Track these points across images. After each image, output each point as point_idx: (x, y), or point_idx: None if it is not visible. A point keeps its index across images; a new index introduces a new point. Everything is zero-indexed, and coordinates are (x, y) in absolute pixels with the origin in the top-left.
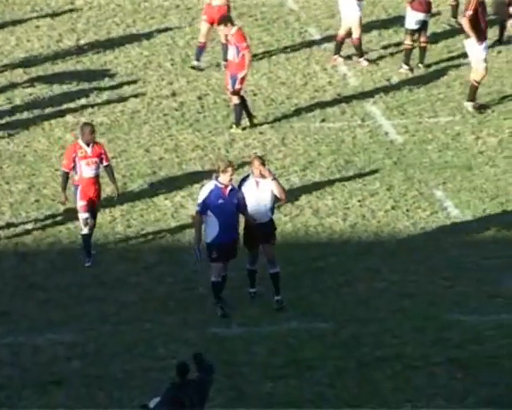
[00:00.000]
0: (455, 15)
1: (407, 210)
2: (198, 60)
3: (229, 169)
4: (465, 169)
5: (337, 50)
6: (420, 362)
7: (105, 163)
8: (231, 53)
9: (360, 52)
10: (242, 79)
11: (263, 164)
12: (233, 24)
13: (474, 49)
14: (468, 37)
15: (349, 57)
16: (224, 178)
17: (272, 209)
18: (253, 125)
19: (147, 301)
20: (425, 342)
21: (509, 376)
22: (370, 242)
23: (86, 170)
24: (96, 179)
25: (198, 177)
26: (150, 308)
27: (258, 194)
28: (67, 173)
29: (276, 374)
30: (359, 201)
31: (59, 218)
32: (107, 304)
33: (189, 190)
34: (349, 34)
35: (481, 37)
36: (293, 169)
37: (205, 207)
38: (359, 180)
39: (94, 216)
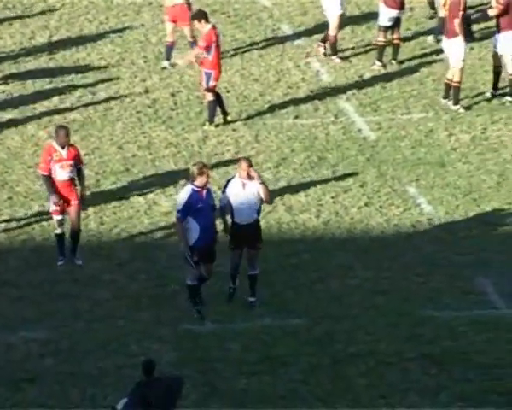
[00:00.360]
0: (433, 7)
1: (380, 207)
2: (168, 59)
3: (205, 171)
4: (438, 166)
5: (334, 51)
6: (393, 358)
7: (78, 166)
8: (206, 51)
9: (334, 50)
10: (215, 76)
11: (250, 166)
12: (207, 21)
13: (459, 48)
14: (454, 36)
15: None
16: (200, 181)
17: (258, 211)
18: (226, 123)
19: (120, 298)
20: (398, 338)
21: (481, 371)
22: (343, 238)
23: (60, 173)
24: (71, 182)
25: (171, 174)
26: (123, 305)
27: (244, 195)
28: (48, 176)
29: (249, 370)
30: (332, 197)
31: (32, 215)
32: (81, 301)
33: (162, 187)
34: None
35: (466, 36)
36: (266, 166)
37: (185, 212)
38: (332, 177)
39: (74, 218)
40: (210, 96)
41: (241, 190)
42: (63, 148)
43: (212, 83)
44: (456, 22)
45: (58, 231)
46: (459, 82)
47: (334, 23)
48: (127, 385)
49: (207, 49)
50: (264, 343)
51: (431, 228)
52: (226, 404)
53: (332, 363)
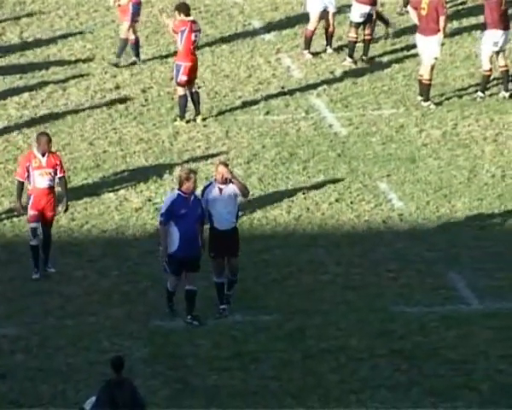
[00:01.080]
0: (406, 4)
1: (351, 202)
2: (137, 55)
3: (192, 176)
4: (409, 161)
5: (306, 46)
6: (364, 354)
7: (59, 175)
8: (178, 41)
9: (307, 45)
10: (185, 70)
11: (226, 168)
12: (187, 15)
13: (435, 46)
14: (432, 34)
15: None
16: (186, 187)
17: (236, 216)
18: (195, 120)
19: (91, 295)
20: (369, 333)
21: (452, 367)
22: (315, 234)
23: (39, 180)
24: (50, 191)
25: (142, 170)
26: (94, 302)
27: (222, 201)
28: (22, 183)
29: (220, 366)
30: (303, 193)
31: (3, 211)
32: (52, 297)
33: (133, 184)
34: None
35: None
36: (237, 162)
37: (168, 217)
38: (303, 173)
39: (47, 227)
40: (180, 91)
41: (219, 195)
42: (43, 155)
43: (180, 77)
44: (442, 19)
45: (33, 242)
46: (429, 79)
47: (312, 18)
48: (98, 382)
49: (174, 32)
50: (236, 339)
51: (402, 224)
52: (198, 400)
53: (303, 359)
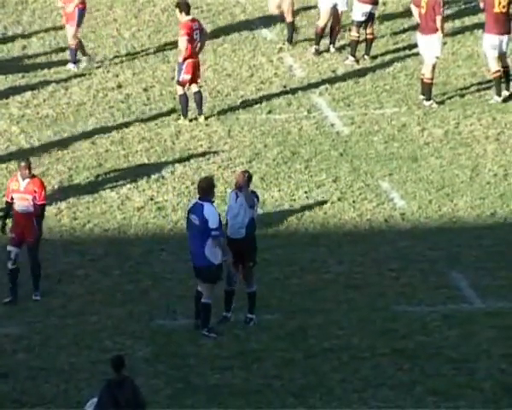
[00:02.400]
0: None
1: (353, 201)
2: (85, 54)
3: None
4: (411, 160)
5: (317, 42)
6: (366, 353)
7: (38, 202)
8: (181, 41)
9: (317, 40)
10: (187, 68)
11: (246, 177)
12: (187, 13)
13: (436, 45)
14: (432, 33)
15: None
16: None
17: (248, 226)
18: (197, 119)
19: (93, 294)
20: (371, 333)
21: (454, 366)
22: (317, 233)
23: (18, 204)
24: (28, 216)
25: (144, 169)
26: (96, 301)
27: (234, 209)
28: (8, 203)
29: (222, 366)
30: (305, 192)
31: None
32: (54, 297)
33: (135, 183)
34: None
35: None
36: (239, 161)
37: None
38: (305, 172)
39: (30, 254)
40: (179, 90)
41: (233, 203)
42: (24, 180)
43: (182, 76)
44: (438, 19)
45: (9, 266)
46: (431, 78)
47: (322, 14)
48: (101, 381)
49: (184, 35)
50: (238, 338)
51: (404, 223)
52: (200, 399)
53: (305, 358)
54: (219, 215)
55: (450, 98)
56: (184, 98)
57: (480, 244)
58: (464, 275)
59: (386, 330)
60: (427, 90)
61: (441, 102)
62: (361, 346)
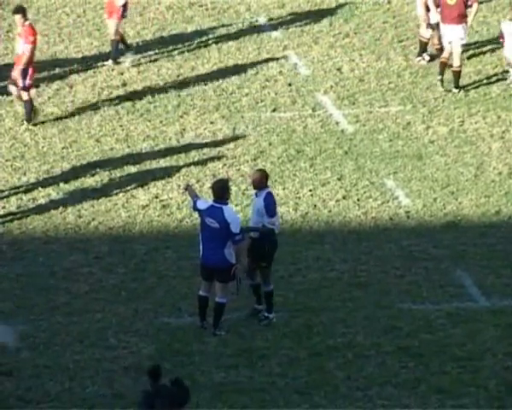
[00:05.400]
0: None
1: (358, 200)
2: (115, 59)
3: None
4: (416, 158)
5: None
6: (371, 351)
7: None
8: (20, 46)
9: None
10: (32, 74)
11: (260, 175)
12: (25, 17)
13: (465, 32)
14: (460, 22)
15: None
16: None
17: (264, 229)
18: (35, 124)
19: (98, 292)
20: (376, 331)
21: (459, 364)
22: (321, 231)
23: None
24: None
25: (149, 167)
26: (101, 298)
27: (252, 206)
28: None
29: (227, 363)
30: (310, 190)
31: (11, 208)
32: (58, 294)
33: (140, 181)
34: None
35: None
36: (244, 159)
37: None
38: (310, 170)
39: None
40: (25, 96)
41: (253, 201)
42: None
43: (28, 81)
44: (475, 6)
45: None
46: (460, 66)
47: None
48: (105, 378)
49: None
50: (242, 336)
51: (409, 221)
52: (204, 397)
53: (310, 356)
54: (239, 218)
55: (454, 96)
56: (30, 105)
57: (485, 242)
58: (469, 273)
59: (391, 328)
60: (455, 78)
61: (446, 100)
62: (365, 344)
